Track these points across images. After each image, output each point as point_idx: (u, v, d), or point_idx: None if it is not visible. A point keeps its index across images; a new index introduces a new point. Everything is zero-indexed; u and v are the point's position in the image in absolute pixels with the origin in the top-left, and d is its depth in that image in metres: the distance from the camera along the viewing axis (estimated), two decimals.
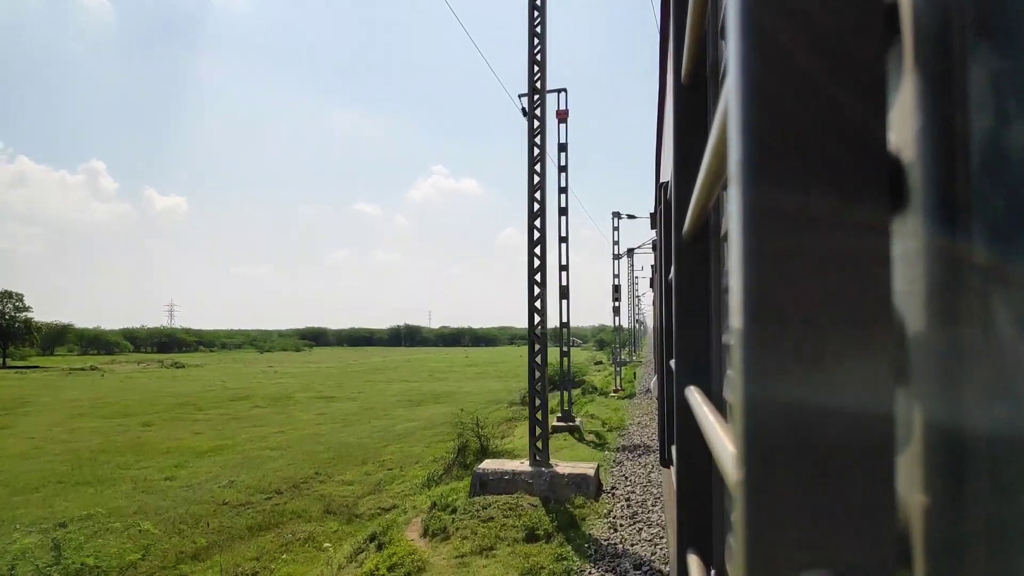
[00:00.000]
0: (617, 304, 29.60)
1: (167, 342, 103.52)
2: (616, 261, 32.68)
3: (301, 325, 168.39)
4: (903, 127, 0.37)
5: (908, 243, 0.36)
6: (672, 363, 1.75)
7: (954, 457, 0.33)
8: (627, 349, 49.60)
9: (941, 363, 0.34)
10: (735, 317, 0.38)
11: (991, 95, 0.32)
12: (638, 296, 58.07)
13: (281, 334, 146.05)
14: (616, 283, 36.41)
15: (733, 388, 0.39)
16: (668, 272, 2.08)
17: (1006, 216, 0.31)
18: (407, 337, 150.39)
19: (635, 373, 36.16)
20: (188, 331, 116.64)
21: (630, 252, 41.57)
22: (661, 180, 3.52)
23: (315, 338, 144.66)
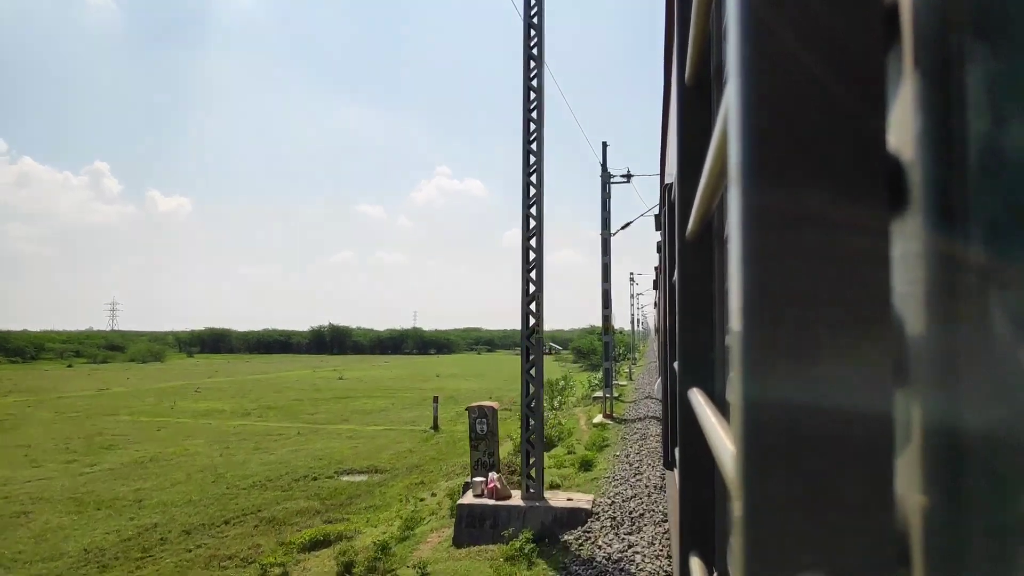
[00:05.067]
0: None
1: None
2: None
3: (263, 327, 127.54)
4: (903, 128, 0.37)
5: (907, 244, 0.36)
6: (676, 365, 1.75)
7: (952, 457, 0.33)
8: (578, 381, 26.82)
9: (939, 363, 0.34)
10: (735, 318, 0.39)
11: (990, 96, 0.32)
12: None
13: (177, 336, 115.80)
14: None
15: (733, 388, 0.39)
16: (672, 273, 2.08)
17: (1004, 217, 0.31)
18: (335, 342, 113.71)
19: None
20: None
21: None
22: (665, 181, 3.52)
23: (215, 342, 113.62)
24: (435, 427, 20.90)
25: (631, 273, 51.19)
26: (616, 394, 21.21)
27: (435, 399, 22.30)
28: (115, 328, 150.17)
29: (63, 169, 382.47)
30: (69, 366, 69.81)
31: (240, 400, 31.47)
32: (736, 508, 0.38)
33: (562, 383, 24.92)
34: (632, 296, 53.48)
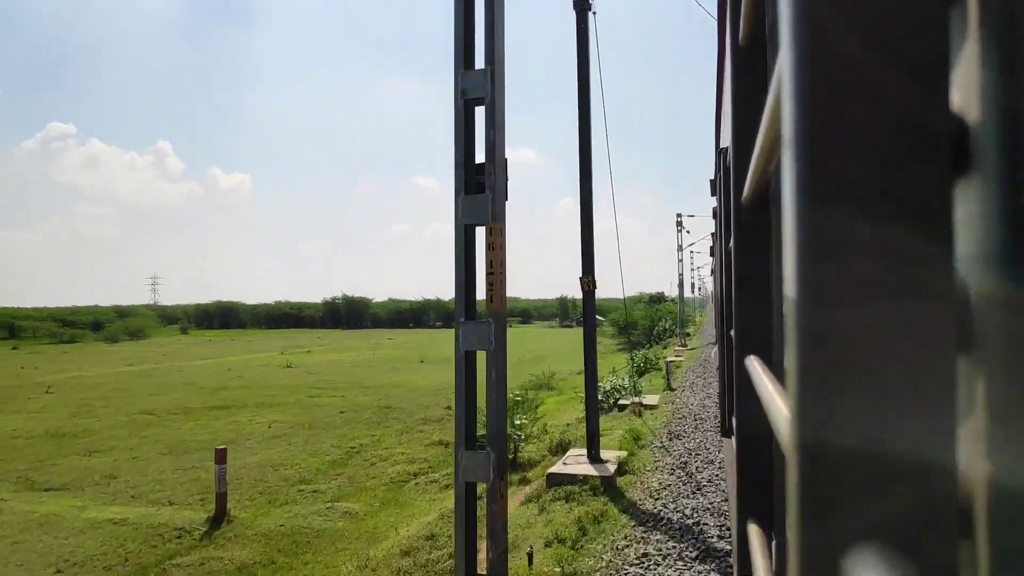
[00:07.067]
0: None
1: None
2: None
3: (318, 298, 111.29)
4: (966, 90, 0.35)
5: (971, 208, 0.35)
6: (732, 332, 1.72)
7: (1021, 426, 0.32)
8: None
9: (1008, 331, 0.33)
10: (788, 284, 0.38)
11: None
12: None
13: (184, 310, 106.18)
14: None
15: (787, 353, 0.39)
16: (728, 240, 2.04)
17: None
18: (350, 316, 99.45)
19: None
20: None
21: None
22: (721, 145, 3.42)
23: (224, 316, 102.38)
24: (217, 518, 8.78)
25: (678, 215, 36.94)
26: (623, 456, 8.79)
27: (220, 456, 9.00)
28: (156, 303, 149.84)
29: (129, 150, 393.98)
30: (14, 348, 56.98)
31: (63, 412, 18.90)
32: (791, 474, 0.38)
33: (523, 397, 11.76)
34: (680, 248, 37.31)
